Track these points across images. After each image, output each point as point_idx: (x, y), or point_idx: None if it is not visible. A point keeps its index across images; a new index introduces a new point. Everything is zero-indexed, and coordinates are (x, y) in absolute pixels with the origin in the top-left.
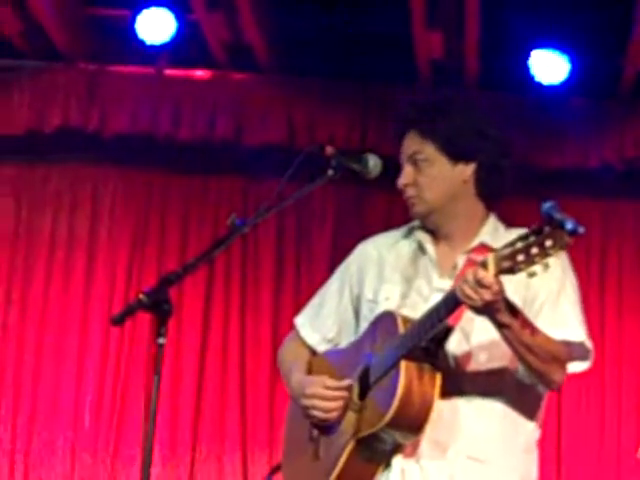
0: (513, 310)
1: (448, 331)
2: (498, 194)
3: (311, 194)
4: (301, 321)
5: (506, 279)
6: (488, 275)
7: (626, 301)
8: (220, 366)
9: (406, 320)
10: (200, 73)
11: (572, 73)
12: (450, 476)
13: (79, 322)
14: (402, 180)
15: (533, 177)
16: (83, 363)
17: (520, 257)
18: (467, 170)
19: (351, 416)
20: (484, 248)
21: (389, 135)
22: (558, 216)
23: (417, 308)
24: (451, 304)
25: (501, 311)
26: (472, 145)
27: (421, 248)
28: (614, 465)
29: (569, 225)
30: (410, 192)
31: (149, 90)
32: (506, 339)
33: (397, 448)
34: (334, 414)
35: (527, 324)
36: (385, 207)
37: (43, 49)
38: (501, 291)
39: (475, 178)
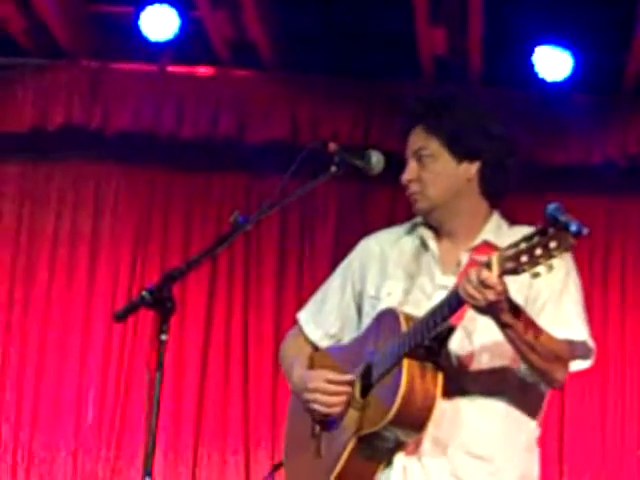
0: (516, 310)
1: (451, 330)
2: (502, 192)
3: (314, 191)
4: (304, 317)
5: (509, 279)
6: (492, 276)
7: (629, 297)
8: (223, 362)
9: (408, 318)
10: (203, 70)
11: (575, 69)
12: (452, 474)
13: (82, 319)
14: (406, 176)
15: (536, 173)
16: (86, 360)
17: (524, 258)
18: (471, 168)
19: (353, 413)
20: (487, 246)
21: (392, 131)
22: (563, 218)
23: (420, 305)
24: (454, 303)
25: (504, 311)
26: (477, 144)
27: (424, 245)
28: (616, 462)
29: (574, 227)
30: (414, 188)
31: (152, 87)
32: (509, 339)
33: (399, 446)
34: (336, 409)
35: (530, 324)
36: (388, 203)
37: (46, 46)
38: (505, 291)
39: (479, 177)
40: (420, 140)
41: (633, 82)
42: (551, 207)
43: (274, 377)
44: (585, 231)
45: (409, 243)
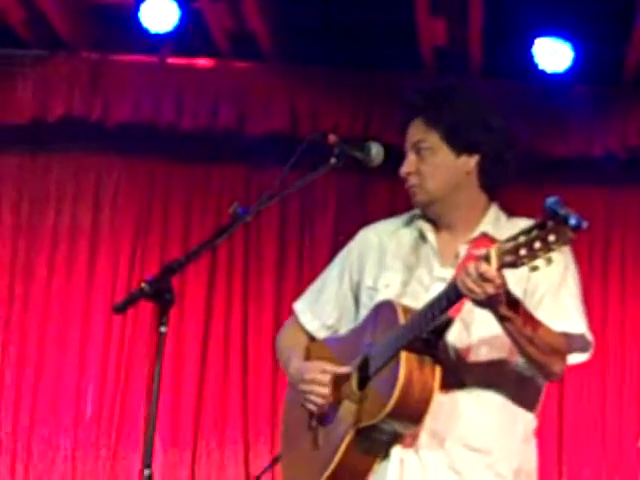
0: (515, 303)
1: (448, 322)
2: (501, 185)
3: (314, 182)
4: (300, 307)
5: (508, 271)
6: (491, 269)
7: (629, 289)
8: (222, 354)
9: (406, 310)
10: (203, 62)
11: (576, 61)
12: (449, 466)
13: (82, 312)
14: (405, 168)
15: (537, 165)
16: (85, 353)
17: (523, 251)
18: (471, 161)
19: (350, 406)
20: (486, 238)
21: (392, 123)
22: (562, 211)
23: (418, 297)
24: (453, 296)
25: (503, 304)
26: (476, 137)
27: (422, 237)
28: (615, 454)
29: (573, 220)
30: (412, 181)
31: (152, 79)
32: (507, 331)
33: (396, 438)
34: (329, 400)
35: (529, 317)
36: (387, 195)
37: (46, 38)
38: (503, 284)
39: (478, 170)
40: (419, 133)
41: (633, 73)
42: (550, 200)
43: (274, 369)
44: (584, 225)
45: (407, 235)
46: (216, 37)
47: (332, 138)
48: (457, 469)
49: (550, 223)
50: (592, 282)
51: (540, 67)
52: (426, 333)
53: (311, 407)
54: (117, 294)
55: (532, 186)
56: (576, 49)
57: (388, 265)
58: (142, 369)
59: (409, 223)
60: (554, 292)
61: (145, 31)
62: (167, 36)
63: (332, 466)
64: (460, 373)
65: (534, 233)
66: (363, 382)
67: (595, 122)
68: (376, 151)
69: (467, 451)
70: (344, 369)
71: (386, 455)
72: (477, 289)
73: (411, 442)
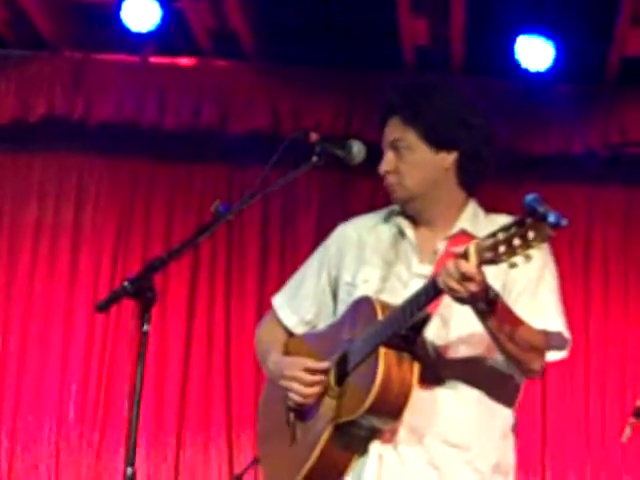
0: (495, 299)
1: (427, 318)
2: (479, 181)
3: (295, 180)
4: (279, 302)
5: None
6: (470, 266)
7: (611, 286)
8: (205, 352)
9: (385, 306)
10: (185, 61)
11: (557, 59)
12: (428, 462)
13: (64, 311)
14: (383, 166)
15: (518, 163)
16: (68, 351)
17: (502, 248)
18: (449, 158)
19: (329, 402)
20: (464, 235)
21: (374, 122)
22: (541, 209)
23: (396, 293)
24: (432, 293)
25: (483, 300)
26: (455, 134)
27: (401, 233)
28: (599, 450)
29: (552, 218)
30: (391, 179)
31: (134, 78)
32: (487, 327)
33: (375, 434)
34: (311, 399)
35: (508, 314)
36: (369, 193)
37: (28, 38)
38: (484, 281)
39: (456, 166)
40: (397, 131)
41: (615, 72)
42: (529, 197)
43: (257, 367)
44: (564, 222)
45: (386, 230)
46: (198, 36)
47: (314, 136)
48: (436, 464)
49: (529, 220)
50: (574, 280)
51: (522, 65)
52: (405, 329)
53: (290, 402)
54: (99, 293)
55: (512, 184)
56: (558, 47)
57: (367, 260)
58: (125, 368)
59: (388, 219)
60: (532, 289)
61: (127, 30)
62: (149, 35)
63: (310, 462)
64: (438, 369)
65: (513, 230)
66: (341, 378)
67: (576, 120)
68: (357, 149)
69: (446, 447)
70: (323, 364)
71: (365, 451)
72: (459, 288)
73: (390, 438)
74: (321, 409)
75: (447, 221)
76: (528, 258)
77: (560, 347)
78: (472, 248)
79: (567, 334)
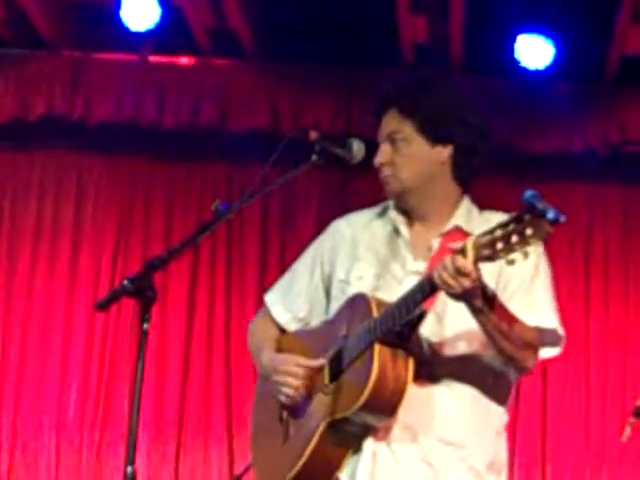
0: (491, 297)
1: (422, 315)
2: (474, 178)
3: (295, 179)
4: (271, 299)
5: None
6: (467, 263)
7: (611, 284)
8: (205, 351)
9: (380, 303)
10: (184, 60)
11: (557, 58)
12: (422, 459)
13: (64, 310)
14: (379, 158)
15: (517, 161)
16: (68, 350)
17: (500, 245)
18: (445, 152)
19: (322, 398)
20: (459, 232)
21: (371, 117)
22: (540, 205)
23: (391, 290)
24: (427, 289)
25: (479, 297)
26: (451, 127)
27: (395, 229)
28: (599, 449)
29: (551, 214)
30: (386, 171)
31: (133, 77)
32: (481, 325)
33: (368, 431)
34: (303, 392)
35: (505, 312)
36: (369, 191)
37: (27, 37)
38: (479, 278)
39: (452, 161)
40: (394, 123)
41: (614, 71)
42: (528, 194)
43: None
44: (562, 219)
45: (380, 227)
46: (197, 35)
47: (313, 135)
48: (430, 462)
49: (527, 217)
50: (574, 278)
51: (521, 63)
52: (400, 326)
53: (283, 399)
54: (99, 292)
55: (512, 182)
56: (557, 45)
57: (361, 257)
58: (125, 366)
59: (382, 214)
60: (527, 286)
61: (126, 29)
62: (148, 34)
63: (304, 459)
64: (433, 366)
65: (511, 227)
66: (336, 375)
67: (576, 118)
68: (357, 148)
69: (441, 445)
70: (317, 362)
71: (358, 448)
72: (454, 283)
73: (384, 435)
74: (315, 406)
75: (441, 217)
76: (526, 255)
77: (554, 344)
78: (469, 244)
79: (561, 331)
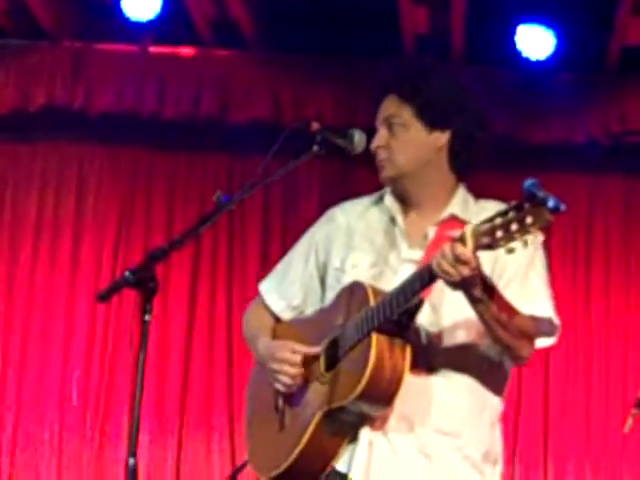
0: (491, 287)
1: (419, 304)
2: (470, 167)
3: (297, 170)
4: (266, 287)
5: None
6: (466, 251)
7: (613, 276)
8: (207, 342)
9: (377, 292)
10: (185, 50)
11: (558, 48)
12: (419, 449)
13: (66, 300)
14: (375, 142)
15: (518, 152)
16: (70, 341)
17: (499, 233)
18: (442, 138)
19: (318, 387)
20: (455, 220)
21: (372, 107)
22: (540, 193)
23: (386, 278)
24: (426, 278)
25: (477, 286)
26: (450, 113)
27: (391, 217)
28: (601, 442)
29: (551, 203)
30: (382, 154)
31: (134, 68)
32: (479, 314)
33: (365, 421)
34: (299, 380)
35: (505, 303)
36: (371, 182)
37: (28, 27)
38: (478, 267)
39: (449, 148)
40: (392, 108)
41: (615, 61)
42: (528, 182)
43: None
44: (563, 207)
45: (376, 215)
46: (198, 25)
47: (315, 126)
48: (427, 453)
49: (527, 205)
50: (575, 269)
51: (522, 54)
52: (398, 315)
53: (279, 387)
54: (101, 282)
55: (513, 173)
56: (558, 36)
57: (356, 246)
58: (127, 358)
59: (378, 202)
60: (522, 275)
61: (127, 20)
62: (149, 25)
63: (299, 447)
64: (430, 355)
65: (511, 215)
66: (331, 364)
67: (577, 109)
68: (359, 138)
69: (438, 435)
70: (313, 350)
71: (354, 438)
72: (452, 271)
73: (380, 425)
74: (311, 395)
75: (437, 205)
76: (526, 244)
77: (549, 333)
78: (469, 232)
79: (556, 320)
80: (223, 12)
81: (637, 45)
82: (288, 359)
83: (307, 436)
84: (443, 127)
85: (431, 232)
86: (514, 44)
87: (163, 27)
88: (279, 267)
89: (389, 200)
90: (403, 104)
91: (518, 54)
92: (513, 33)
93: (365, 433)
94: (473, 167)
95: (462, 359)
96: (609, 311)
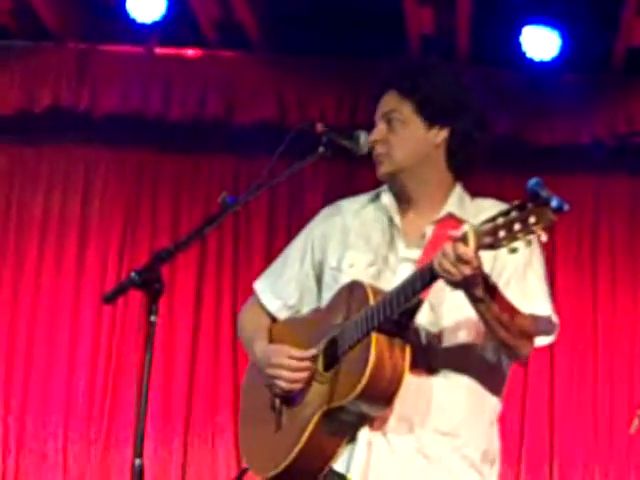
0: (493, 287)
1: (419, 304)
2: (467, 166)
3: (302, 171)
4: (261, 287)
5: None
6: (468, 250)
7: (619, 277)
8: (213, 344)
9: (376, 291)
10: (191, 52)
11: (563, 49)
12: (418, 451)
13: (72, 302)
14: (373, 136)
15: (524, 153)
16: (76, 343)
17: (502, 233)
18: (440, 135)
19: (317, 387)
20: (452, 219)
21: (373, 103)
22: (543, 193)
23: (385, 278)
24: (427, 278)
25: (478, 286)
26: (449, 110)
27: (387, 216)
28: (607, 443)
29: (554, 202)
30: (380, 149)
31: (140, 69)
32: (480, 314)
33: (364, 421)
34: (298, 385)
35: (506, 304)
36: (376, 184)
37: (33, 28)
38: (480, 266)
39: (447, 145)
40: (392, 103)
41: (621, 62)
42: (532, 182)
43: None
44: (566, 207)
45: (371, 213)
46: (203, 27)
47: (320, 127)
48: (426, 454)
49: (530, 205)
50: (581, 270)
51: (528, 55)
52: (398, 314)
53: (278, 392)
54: (107, 284)
55: (518, 174)
56: (564, 37)
57: (351, 244)
58: (132, 359)
59: (374, 200)
60: (520, 274)
61: (132, 21)
62: (154, 26)
63: (298, 447)
64: (429, 355)
65: (514, 214)
66: (330, 364)
67: (583, 110)
68: (364, 139)
69: (437, 435)
70: (309, 352)
71: (353, 438)
72: (454, 270)
73: (379, 425)
74: (309, 395)
75: (434, 203)
76: (529, 243)
77: (548, 332)
78: (471, 232)
79: (555, 318)
80: (228, 14)
81: None
82: (285, 365)
83: (306, 435)
84: (442, 124)
85: (429, 231)
86: (519, 45)
87: (168, 28)
88: (274, 266)
89: (386, 198)
90: (403, 100)
91: (523, 55)
92: (518, 34)
93: (364, 433)
94: (470, 167)
95: (462, 359)
96: (615, 312)
